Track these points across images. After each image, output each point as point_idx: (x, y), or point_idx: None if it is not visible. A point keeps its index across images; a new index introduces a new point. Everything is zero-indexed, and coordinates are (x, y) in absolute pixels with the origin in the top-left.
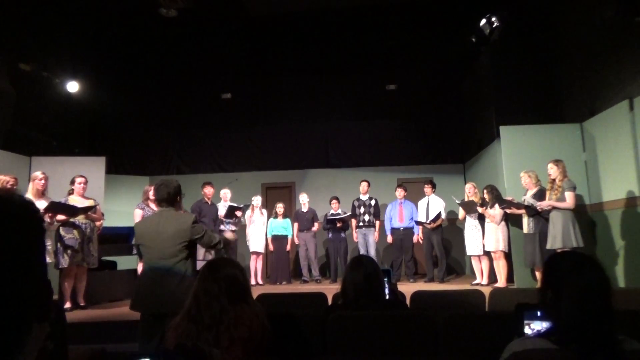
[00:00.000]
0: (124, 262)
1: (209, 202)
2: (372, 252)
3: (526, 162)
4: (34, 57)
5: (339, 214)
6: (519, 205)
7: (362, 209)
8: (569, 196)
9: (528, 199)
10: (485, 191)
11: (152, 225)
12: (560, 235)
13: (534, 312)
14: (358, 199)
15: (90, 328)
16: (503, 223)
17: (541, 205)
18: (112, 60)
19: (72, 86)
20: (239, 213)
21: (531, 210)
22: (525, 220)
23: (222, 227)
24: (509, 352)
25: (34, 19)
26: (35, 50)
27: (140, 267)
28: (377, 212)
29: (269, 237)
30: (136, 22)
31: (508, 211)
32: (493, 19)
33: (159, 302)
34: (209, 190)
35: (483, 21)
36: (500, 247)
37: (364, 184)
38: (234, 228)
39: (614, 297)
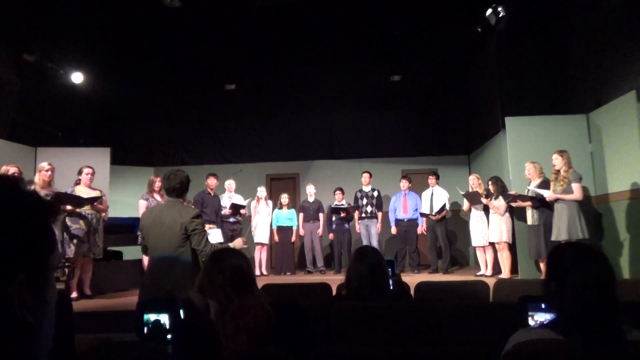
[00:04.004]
0: (130, 253)
1: (212, 194)
2: (375, 243)
3: (531, 153)
4: (38, 47)
5: (342, 205)
6: (524, 198)
7: (364, 200)
8: (576, 188)
9: (532, 189)
10: (490, 182)
11: (155, 215)
12: (565, 227)
13: (538, 304)
14: (360, 190)
15: (96, 317)
16: (507, 214)
17: (550, 198)
18: (117, 51)
19: (77, 77)
20: (243, 211)
21: (537, 202)
22: (529, 212)
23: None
24: (513, 342)
25: (39, 10)
26: (39, 41)
27: (145, 259)
28: (379, 203)
29: (274, 228)
30: (140, 13)
31: (514, 204)
32: (499, 9)
33: (162, 292)
34: (212, 182)
35: (489, 11)
36: (504, 238)
37: (365, 176)
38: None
39: (618, 288)
